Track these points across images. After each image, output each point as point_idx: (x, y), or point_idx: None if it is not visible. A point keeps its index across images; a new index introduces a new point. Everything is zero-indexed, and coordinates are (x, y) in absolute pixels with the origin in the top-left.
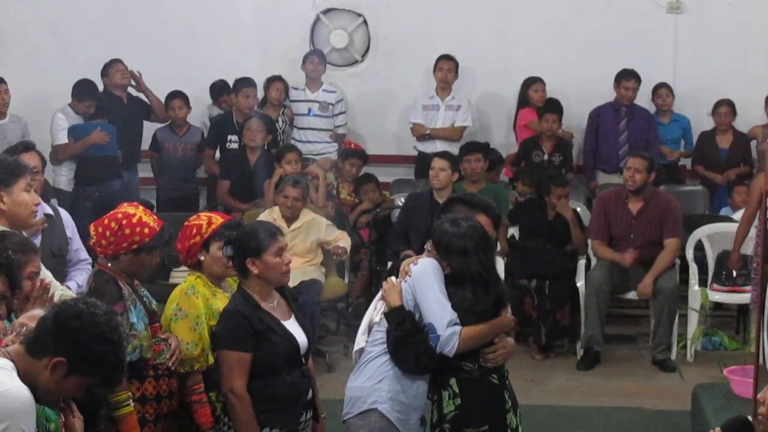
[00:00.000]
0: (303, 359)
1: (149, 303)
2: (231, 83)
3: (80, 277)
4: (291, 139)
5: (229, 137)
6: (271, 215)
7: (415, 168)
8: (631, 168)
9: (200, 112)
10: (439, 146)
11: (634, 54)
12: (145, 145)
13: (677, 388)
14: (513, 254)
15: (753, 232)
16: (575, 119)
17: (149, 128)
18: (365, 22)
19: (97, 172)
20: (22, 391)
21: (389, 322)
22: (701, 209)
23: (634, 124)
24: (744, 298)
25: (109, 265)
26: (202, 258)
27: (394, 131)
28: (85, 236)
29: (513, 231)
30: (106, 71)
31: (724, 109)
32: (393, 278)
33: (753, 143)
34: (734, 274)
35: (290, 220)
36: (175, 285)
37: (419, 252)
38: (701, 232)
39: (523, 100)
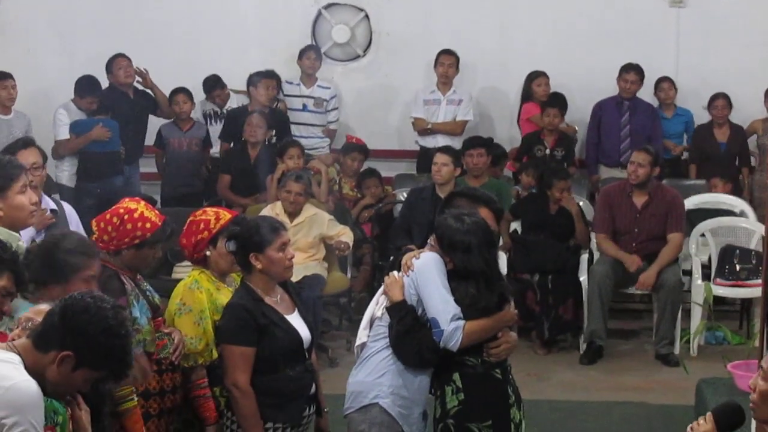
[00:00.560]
0: (306, 354)
1: (152, 297)
2: (232, 78)
3: None
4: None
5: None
6: (273, 210)
7: (417, 163)
8: (634, 162)
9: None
10: (440, 141)
11: (637, 48)
12: (150, 140)
13: (680, 382)
14: (515, 249)
15: None
16: (578, 113)
17: (153, 124)
18: (367, 17)
19: (98, 168)
20: (30, 385)
21: (391, 317)
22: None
23: (637, 118)
24: (747, 292)
25: (111, 260)
26: (209, 253)
27: (395, 126)
28: (87, 232)
29: (515, 225)
30: (110, 67)
31: (721, 102)
32: (395, 273)
33: (753, 138)
34: (737, 268)
35: (293, 215)
36: (178, 280)
37: (421, 246)
38: (704, 227)
39: (527, 95)
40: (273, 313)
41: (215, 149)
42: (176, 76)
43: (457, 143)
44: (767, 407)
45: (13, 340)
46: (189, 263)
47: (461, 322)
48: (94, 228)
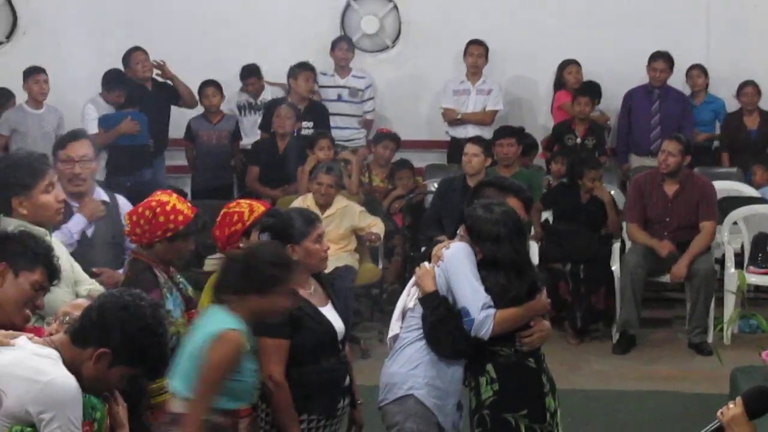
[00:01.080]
0: (340, 345)
1: (185, 290)
2: (262, 69)
3: None
4: None
5: None
6: (304, 202)
7: (448, 153)
8: (665, 151)
9: (234, 100)
10: (470, 131)
11: (667, 35)
12: (179, 133)
13: (714, 371)
14: (547, 238)
15: None
16: (607, 102)
17: (179, 116)
18: (396, 7)
19: (128, 161)
20: (69, 381)
21: (424, 308)
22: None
23: (667, 106)
24: None
25: (144, 253)
26: (242, 245)
27: (425, 116)
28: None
29: (547, 215)
30: (127, 61)
31: (750, 89)
32: (426, 263)
33: None
34: None
35: (324, 207)
36: (209, 272)
37: (452, 237)
38: (737, 214)
39: (559, 83)
40: (307, 305)
41: (249, 140)
42: (205, 69)
43: (487, 133)
44: None
45: (51, 334)
46: (221, 255)
47: (492, 311)
48: (127, 221)
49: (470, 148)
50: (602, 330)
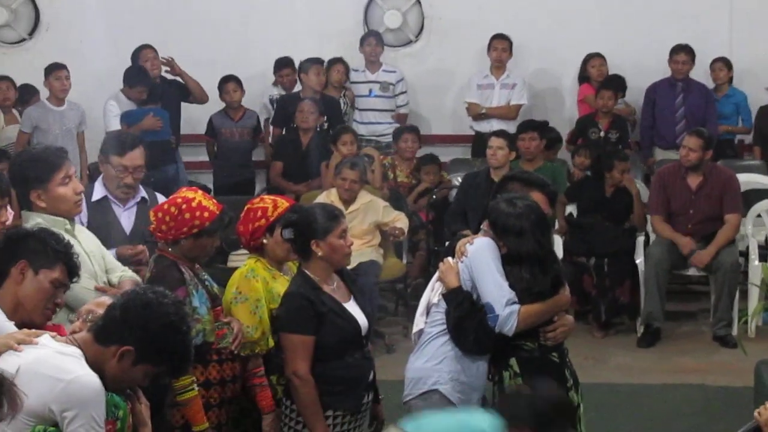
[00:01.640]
0: (364, 341)
1: (211, 287)
2: None
3: None
4: (353, 121)
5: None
6: (328, 197)
7: (473, 147)
8: (685, 147)
9: (256, 95)
10: (495, 125)
11: (691, 29)
12: (200, 129)
13: (739, 364)
14: (571, 232)
15: None
16: (631, 95)
17: (198, 111)
18: (419, 1)
19: (151, 157)
20: (93, 379)
21: (448, 303)
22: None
23: (691, 100)
24: None
25: (170, 249)
26: (266, 241)
27: (449, 111)
28: (146, 222)
29: (571, 209)
30: (136, 58)
31: None
32: (450, 259)
33: None
34: None
35: (348, 202)
36: (233, 268)
37: (476, 231)
38: (761, 207)
39: (584, 76)
40: (331, 300)
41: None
42: (228, 65)
43: (511, 127)
44: None
45: (74, 332)
46: (245, 251)
47: (516, 307)
48: (152, 218)
49: (495, 141)
50: (627, 323)
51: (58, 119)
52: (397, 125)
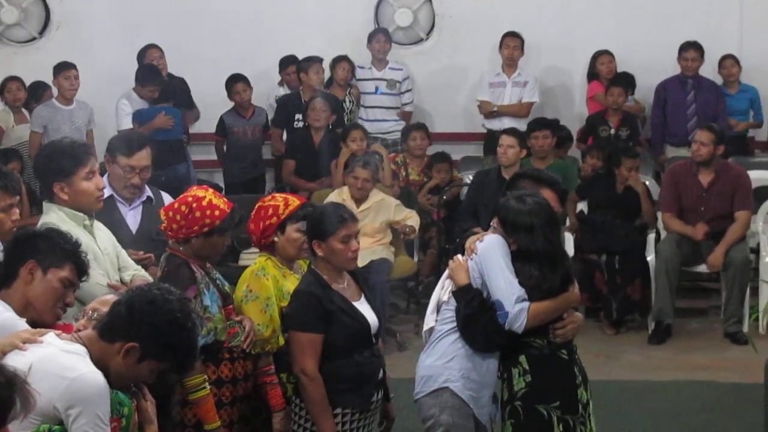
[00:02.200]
0: (374, 339)
1: (222, 285)
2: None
3: None
4: (358, 119)
5: (297, 116)
6: (340, 195)
7: (484, 145)
8: (697, 141)
9: (265, 93)
10: (506, 123)
11: (700, 26)
12: (209, 128)
13: (750, 360)
14: (582, 229)
15: None
16: (640, 92)
17: (207, 110)
18: (429, 0)
19: (162, 156)
20: (97, 376)
21: (458, 301)
22: None
23: (702, 97)
24: None
25: (181, 248)
26: (277, 239)
27: (460, 108)
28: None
29: (582, 206)
30: (142, 58)
31: None
32: (459, 256)
33: None
34: None
35: (359, 200)
36: (244, 267)
37: (488, 229)
38: None
39: (593, 73)
40: (340, 299)
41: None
42: (237, 65)
43: (523, 125)
44: None
45: (79, 330)
46: (256, 250)
47: (526, 304)
48: (163, 217)
49: (505, 140)
50: (638, 320)
51: (67, 118)
52: (403, 123)
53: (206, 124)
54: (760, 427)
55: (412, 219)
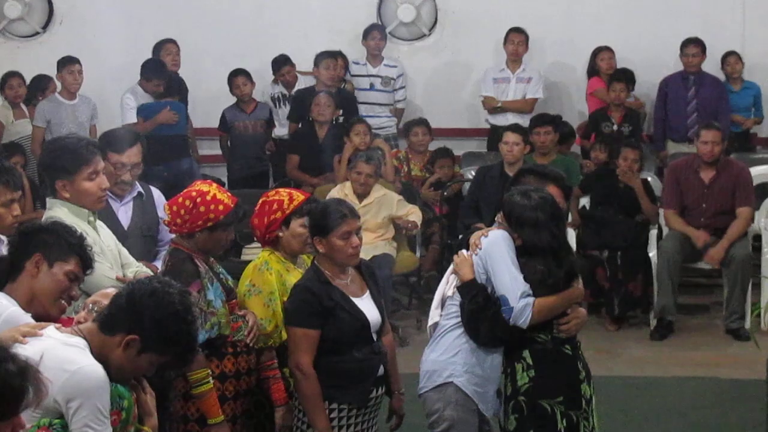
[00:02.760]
0: (375, 336)
1: (226, 280)
2: (297, 60)
3: None
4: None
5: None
6: (342, 191)
7: (488, 141)
8: (708, 142)
9: (267, 89)
10: (510, 119)
11: (702, 22)
12: (212, 123)
13: (752, 356)
14: (585, 225)
15: None
16: (643, 88)
17: (210, 105)
18: None
19: (165, 151)
20: (96, 369)
21: (462, 296)
22: None
23: (703, 93)
24: None
25: (185, 243)
26: (281, 234)
27: (463, 104)
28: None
29: (584, 202)
30: (158, 52)
31: None
32: (464, 251)
33: None
34: None
35: (362, 196)
36: (247, 261)
37: (490, 225)
38: None
39: (593, 70)
40: (340, 295)
41: (284, 131)
42: (241, 59)
43: (526, 121)
44: None
45: (79, 323)
46: (258, 245)
47: (531, 299)
48: (167, 211)
49: (511, 137)
50: (640, 316)
51: (70, 113)
52: (395, 119)
53: (210, 119)
54: (762, 423)
55: (414, 214)
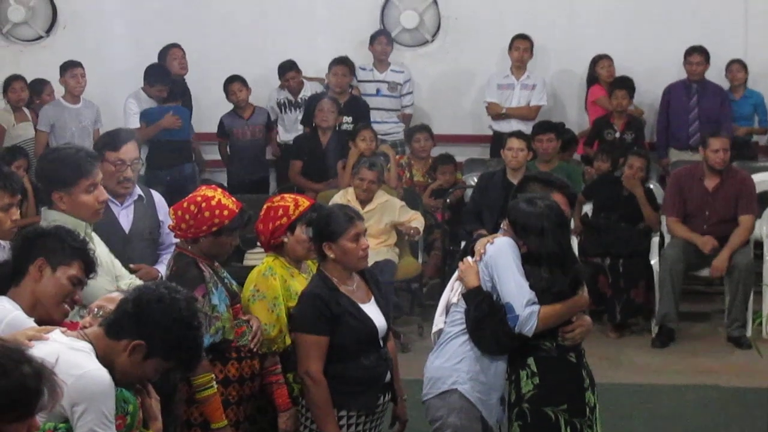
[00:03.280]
0: (381, 342)
1: (230, 284)
2: (301, 66)
3: None
4: None
5: None
6: (345, 197)
7: (491, 147)
8: (719, 149)
9: (269, 94)
10: (514, 125)
11: (705, 30)
12: (212, 127)
13: (754, 365)
14: (587, 232)
15: None
16: (646, 96)
17: (209, 110)
18: (435, 2)
19: (168, 156)
20: (102, 374)
21: (467, 303)
22: None
23: (706, 101)
24: None
25: (189, 247)
26: (286, 240)
27: (466, 110)
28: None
29: (586, 209)
30: (164, 56)
31: None
32: (469, 258)
33: None
34: None
35: (364, 202)
36: (249, 266)
37: (492, 232)
38: None
39: (593, 78)
40: (348, 301)
41: (290, 136)
42: (245, 65)
43: (530, 127)
44: None
45: (84, 328)
46: (260, 249)
47: (536, 307)
48: (172, 216)
49: (515, 143)
50: (641, 324)
51: (74, 117)
52: (402, 125)
53: (214, 124)
54: (764, 430)
55: (416, 220)
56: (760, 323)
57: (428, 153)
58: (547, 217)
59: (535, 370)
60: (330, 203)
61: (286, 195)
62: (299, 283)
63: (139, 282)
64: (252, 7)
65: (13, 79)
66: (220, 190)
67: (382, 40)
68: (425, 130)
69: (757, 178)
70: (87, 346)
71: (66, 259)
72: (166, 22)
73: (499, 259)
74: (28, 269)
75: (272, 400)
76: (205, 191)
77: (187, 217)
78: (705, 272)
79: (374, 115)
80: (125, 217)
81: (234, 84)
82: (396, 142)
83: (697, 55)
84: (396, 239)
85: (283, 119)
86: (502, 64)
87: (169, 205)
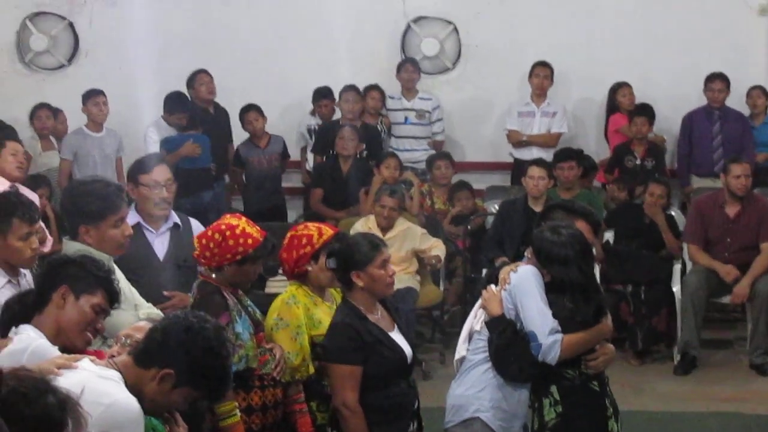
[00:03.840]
0: (409, 370)
1: (254, 313)
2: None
3: None
4: (389, 148)
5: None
6: (366, 224)
7: (512, 174)
8: (741, 175)
9: (295, 121)
10: (535, 153)
11: (726, 57)
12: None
13: None
14: (608, 260)
15: None
16: (666, 123)
17: (238, 138)
18: (456, 29)
19: (189, 184)
20: (131, 402)
21: (491, 331)
22: None
23: (728, 128)
24: None
25: (214, 276)
26: (310, 268)
27: (487, 138)
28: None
29: (608, 236)
30: (192, 82)
31: None
32: (493, 286)
33: None
34: None
35: (385, 229)
36: (271, 294)
37: (514, 259)
38: None
39: (613, 106)
40: (378, 330)
41: (309, 163)
42: (267, 93)
43: (550, 155)
44: None
45: (113, 356)
46: (282, 277)
47: (559, 336)
48: (197, 245)
49: (536, 171)
50: (663, 351)
51: (96, 145)
52: (433, 152)
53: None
54: None
55: (437, 248)
56: None
57: (449, 180)
58: (572, 246)
59: (558, 398)
60: (351, 231)
61: (309, 224)
62: (322, 312)
63: (157, 311)
64: (272, 37)
65: (39, 108)
66: (244, 218)
67: (408, 68)
68: (446, 157)
69: None
70: (116, 375)
71: (90, 288)
72: (190, 51)
73: (522, 287)
74: (52, 297)
75: (295, 428)
76: (230, 219)
77: (211, 245)
78: (727, 299)
79: (403, 143)
80: (160, 245)
81: (250, 113)
82: (425, 170)
83: (719, 81)
84: (417, 266)
85: (311, 145)
86: (522, 91)
87: None
